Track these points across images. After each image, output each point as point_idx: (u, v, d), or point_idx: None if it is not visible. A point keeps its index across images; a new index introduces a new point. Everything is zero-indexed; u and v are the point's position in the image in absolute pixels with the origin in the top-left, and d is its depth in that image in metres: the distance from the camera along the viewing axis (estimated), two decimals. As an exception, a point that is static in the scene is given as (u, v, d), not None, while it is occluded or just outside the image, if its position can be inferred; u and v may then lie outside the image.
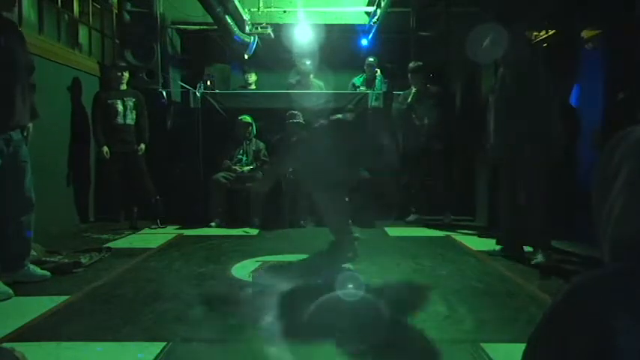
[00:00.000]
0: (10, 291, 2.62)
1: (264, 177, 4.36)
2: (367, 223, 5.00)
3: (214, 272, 3.21)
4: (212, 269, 3.29)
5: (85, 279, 3.01)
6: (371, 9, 6.45)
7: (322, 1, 6.73)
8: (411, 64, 5.32)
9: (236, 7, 5.96)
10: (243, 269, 3.30)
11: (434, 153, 5.23)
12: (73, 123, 5.01)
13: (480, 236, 4.49)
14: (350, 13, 6.91)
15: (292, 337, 2.16)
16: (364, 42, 6.95)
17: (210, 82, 5.76)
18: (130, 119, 5.09)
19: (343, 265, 3.38)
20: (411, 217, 5.38)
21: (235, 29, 6.09)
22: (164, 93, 5.67)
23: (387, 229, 4.91)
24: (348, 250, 3.55)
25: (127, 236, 4.53)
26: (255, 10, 6.60)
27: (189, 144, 5.45)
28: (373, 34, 6.69)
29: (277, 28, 6.72)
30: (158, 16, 5.69)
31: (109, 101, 5.05)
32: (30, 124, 2.91)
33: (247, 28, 6.40)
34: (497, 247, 3.72)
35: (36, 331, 2.16)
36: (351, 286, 2.96)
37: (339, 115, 3.61)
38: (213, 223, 4.96)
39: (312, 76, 6.16)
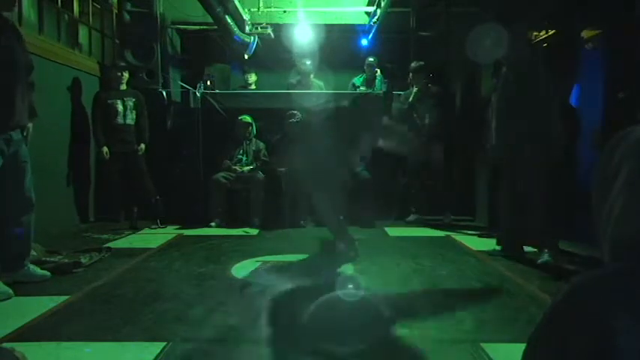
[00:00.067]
0: (10, 291, 2.62)
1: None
2: (367, 223, 5.01)
3: (214, 272, 3.21)
4: (212, 269, 3.28)
5: (85, 279, 3.01)
6: (371, 9, 6.45)
7: (322, 1, 6.72)
8: (413, 64, 5.32)
9: (236, 7, 5.96)
10: (243, 269, 3.30)
11: (434, 153, 5.22)
12: (73, 123, 5.01)
13: (480, 236, 4.49)
14: (350, 13, 6.91)
15: (292, 337, 2.16)
16: (364, 42, 6.95)
17: (210, 82, 5.76)
18: (130, 119, 5.09)
19: (343, 266, 3.38)
20: (411, 217, 5.38)
21: (235, 29, 6.09)
22: (164, 93, 5.66)
23: (387, 229, 4.91)
24: (349, 250, 3.55)
25: (127, 236, 4.53)
26: (255, 10, 6.60)
27: (189, 144, 5.45)
28: (373, 34, 6.69)
29: (277, 28, 6.72)
30: (158, 16, 5.69)
31: (109, 101, 5.05)
32: (29, 124, 2.91)
33: (247, 28, 6.40)
34: (497, 247, 3.72)
35: (36, 331, 2.16)
36: (351, 286, 2.97)
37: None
38: (213, 223, 4.96)
39: (312, 76, 6.17)
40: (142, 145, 5.11)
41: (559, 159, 3.46)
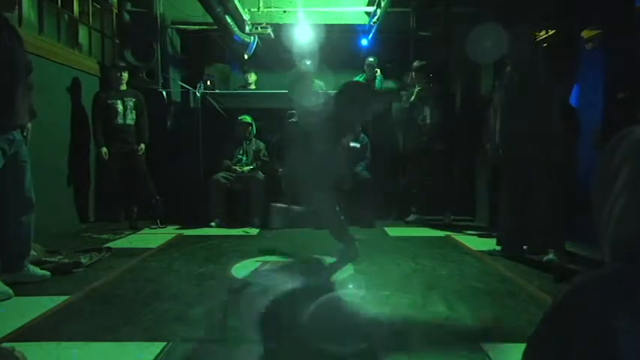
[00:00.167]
0: (10, 291, 2.62)
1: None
2: (367, 223, 5.01)
3: (214, 272, 3.21)
4: (212, 269, 3.29)
5: (85, 279, 3.01)
6: (371, 9, 6.46)
7: (322, 1, 6.73)
8: (415, 63, 5.32)
9: (236, 7, 5.97)
10: (243, 269, 3.30)
11: (434, 153, 5.23)
12: (73, 123, 5.01)
13: (480, 236, 4.49)
14: (350, 13, 6.91)
15: (292, 337, 2.16)
16: (364, 42, 6.96)
17: (210, 82, 5.76)
18: (130, 119, 5.09)
19: (343, 266, 3.38)
20: (411, 217, 5.38)
21: (235, 29, 6.09)
22: (164, 93, 5.67)
23: (387, 229, 4.91)
24: (350, 251, 3.54)
25: (127, 236, 4.53)
26: (255, 10, 6.60)
27: (189, 144, 5.45)
28: (373, 34, 6.69)
29: (277, 28, 6.72)
30: (158, 16, 5.69)
31: (109, 101, 5.05)
32: (29, 124, 2.92)
33: (247, 28, 6.41)
34: (497, 247, 3.72)
35: (36, 331, 2.16)
36: (350, 286, 2.97)
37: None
38: (213, 223, 4.96)
39: (312, 76, 6.16)
40: (142, 145, 5.11)
41: (560, 159, 3.45)
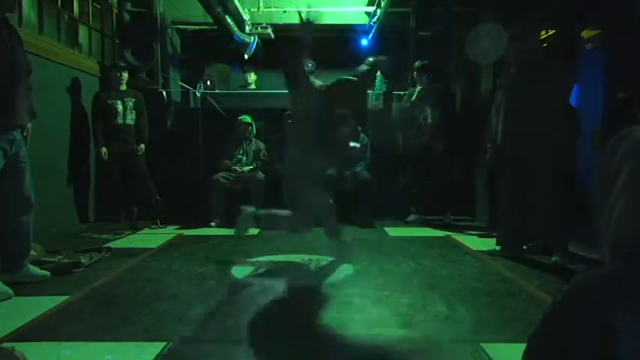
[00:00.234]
0: (10, 291, 2.62)
1: None
2: (367, 223, 5.01)
3: (214, 272, 3.21)
4: (212, 269, 3.29)
5: (85, 279, 3.01)
6: (371, 9, 6.45)
7: (322, 1, 6.72)
8: (417, 63, 5.32)
9: (236, 7, 5.97)
10: (243, 269, 3.30)
11: (435, 153, 5.23)
12: (73, 123, 5.01)
13: (480, 236, 4.49)
14: (350, 13, 6.91)
15: (292, 336, 2.16)
16: (364, 42, 6.95)
17: (210, 82, 5.76)
18: (130, 119, 5.09)
19: (344, 266, 3.38)
20: (411, 217, 5.38)
21: (235, 29, 6.09)
22: (164, 93, 5.67)
23: (387, 229, 4.91)
24: (347, 251, 3.53)
25: (127, 236, 4.53)
26: (255, 10, 6.60)
27: (189, 144, 5.45)
28: (373, 34, 6.69)
29: (277, 28, 6.72)
30: (158, 16, 5.69)
31: (109, 101, 5.05)
32: (29, 125, 2.92)
33: (247, 28, 6.40)
34: (497, 247, 3.72)
35: (36, 331, 2.16)
36: (350, 286, 2.96)
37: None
38: (213, 223, 4.96)
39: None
40: (142, 145, 5.11)
41: (562, 159, 3.43)
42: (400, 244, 4.17)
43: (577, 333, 0.62)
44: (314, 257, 3.57)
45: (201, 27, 6.66)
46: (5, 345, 1.87)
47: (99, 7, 5.82)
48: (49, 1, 4.73)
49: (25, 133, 2.88)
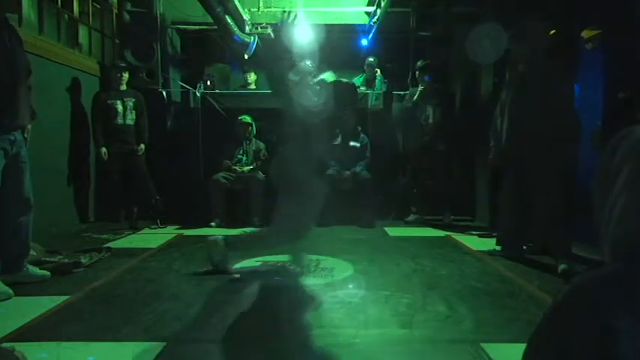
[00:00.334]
0: (10, 291, 2.62)
1: None
2: (367, 223, 5.01)
3: (214, 272, 3.21)
4: (212, 269, 3.28)
5: (85, 279, 3.01)
6: (371, 9, 6.45)
7: (322, 1, 6.72)
8: (419, 63, 5.32)
9: (236, 7, 5.97)
10: (243, 269, 3.29)
11: (435, 153, 5.23)
12: (73, 123, 5.01)
13: (480, 236, 4.49)
14: (350, 13, 6.91)
15: (292, 336, 2.16)
16: (364, 42, 6.95)
17: (210, 82, 5.76)
18: (130, 119, 5.09)
19: (343, 266, 3.38)
20: (411, 217, 5.38)
21: (235, 29, 6.09)
22: (164, 93, 5.67)
23: (387, 229, 4.91)
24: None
25: (127, 236, 4.53)
26: (255, 10, 6.60)
27: (189, 144, 5.45)
28: (373, 34, 6.69)
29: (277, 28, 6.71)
30: (158, 16, 5.69)
31: (109, 101, 5.05)
32: (29, 125, 2.92)
33: (247, 28, 6.40)
34: (497, 247, 3.72)
35: (36, 331, 2.16)
36: (350, 286, 2.97)
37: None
38: (213, 223, 4.96)
39: (313, 76, 6.16)
40: (142, 145, 5.11)
41: (565, 160, 3.39)
42: (400, 244, 4.17)
43: (577, 333, 0.62)
44: (314, 257, 3.57)
45: (201, 27, 6.66)
46: (5, 345, 1.87)
47: (99, 7, 5.82)
48: (49, 1, 4.73)
49: (25, 134, 2.88)
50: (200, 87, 5.56)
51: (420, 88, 5.27)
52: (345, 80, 3.36)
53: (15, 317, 2.29)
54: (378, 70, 6.42)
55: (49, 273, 3.02)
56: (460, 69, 6.00)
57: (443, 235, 4.64)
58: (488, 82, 5.19)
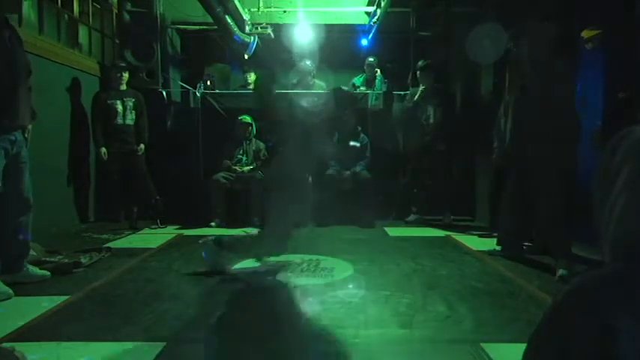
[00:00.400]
0: (10, 291, 2.62)
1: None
2: (367, 223, 5.01)
3: (214, 272, 3.20)
4: (212, 270, 3.28)
5: (85, 279, 3.01)
6: (371, 9, 6.45)
7: (322, 1, 6.72)
8: (420, 63, 5.32)
9: (236, 7, 5.96)
10: (243, 269, 3.29)
11: (435, 153, 5.23)
12: (72, 123, 5.01)
13: (480, 236, 4.48)
14: (350, 13, 6.91)
15: (292, 336, 2.16)
16: (364, 42, 6.95)
17: (210, 82, 5.76)
18: (130, 119, 5.09)
19: (343, 266, 3.38)
20: (411, 217, 5.38)
21: (235, 29, 6.09)
22: (164, 93, 5.66)
23: (387, 229, 4.91)
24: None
25: (127, 236, 4.53)
26: (255, 10, 6.59)
27: (189, 144, 5.45)
28: (373, 34, 6.69)
29: (277, 28, 6.72)
30: (158, 16, 5.69)
31: (109, 101, 5.05)
32: (30, 126, 2.92)
33: (247, 28, 6.40)
34: (498, 247, 3.72)
35: (36, 331, 2.16)
36: (350, 286, 2.97)
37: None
38: (213, 223, 4.96)
39: (312, 76, 6.16)
40: (142, 146, 5.11)
41: (568, 160, 3.38)
42: (400, 244, 4.17)
43: (577, 333, 0.62)
44: (314, 257, 3.57)
45: (201, 27, 6.65)
46: (5, 345, 1.87)
47: (99, 7, 5.82)
48: (49, 1, 4.73)
49: (26, 134, 2.88)
50: (200, 87, 5.56)
51: (421, 87, 5.27)
52: (345, 88, 3.34)
53: (15, 317, 2.29)
54: (378, 70, 6.42)
55: (49, 273, 3.02)
56: (460, 69, 5.99)
57: (443, 235, 4.63)
58: (488, 82, 5.18)
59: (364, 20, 6.84)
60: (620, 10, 3.97)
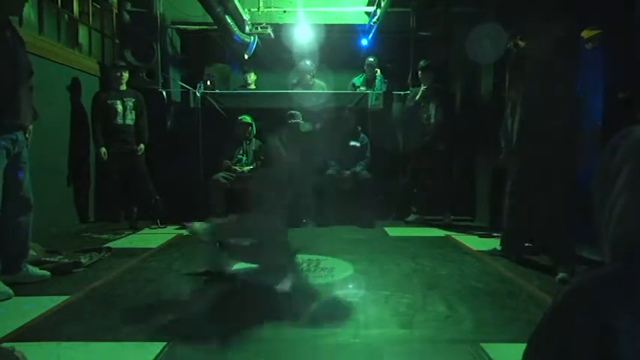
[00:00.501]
0: (10, 291, 2.62)
1: None
2: (367, 223, 5.01)
3: (214, 272, 3.21)
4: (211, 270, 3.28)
5: (85, 279, 3.01)
6: (371, 9, 6.45)
7: (322, 1, 6.73)
8: (421, 62, 5.32)
9: (236, 7, 5.96)
10: (243, 269, 3.29)
11: (436, 153, 5.23)
12: (73, 123, 5.01)
13: (480, 236, 4.48)
14: (350, 13, 6.91)
15: (292, 336, 2.16)
16: (364, 42, 6.95)
17: (210, 82, 5.76)
18: (130, 119, 5.09)
19: (343, 266, 3.38)
20: (411, 217, 5.38)
21: (235, 29, 6.09)
22: (164, 93, 5.66)
23: (387, 229, 4.91)
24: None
25: (127, 236, 4.53)
26: (255, 10, 6.60)
27: (189, 144, 5.45)
28: (373, 34, 6.69)
29: (277, 28, 6.72)
30: (158, 16, 5.69)
31: (109, 101, 5.05)
32: (31, 126, 2.93)
33: (247, 28, 6.40)
34: (498, 247, 3.71)
35: (36, 331, 2.16)
36: (350, 286, 2.97)
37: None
38: (213, 223, 4.96)
39: (312, 76, 6.16)
40: (142, 146, 5.10)
41: (570, 160, 3.36)
42: (400, 244, 4.17)
43: (577, 333, 0.62)
44: (314, 257, 3.57)
45: (201, 27, 6.66)
46: (5, 345, 1.87)
47: (99, 7, 5.82)
48: (49, 1, 4.73)
49: (27, 134, 2.89)
50: (200, 87, 5.56)
51: (422, 87, 5.27)
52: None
53: (15, 317, 2.29)
54: (378, 70, 6.42)
55: (49, 273, 3.02)
56: (460, 69, 6.00)
57: (443, 235, 4.64)
58: (488, 82, 5.18)
59: (364, 20, 6.85)
60: (620, 10, 3.97)
